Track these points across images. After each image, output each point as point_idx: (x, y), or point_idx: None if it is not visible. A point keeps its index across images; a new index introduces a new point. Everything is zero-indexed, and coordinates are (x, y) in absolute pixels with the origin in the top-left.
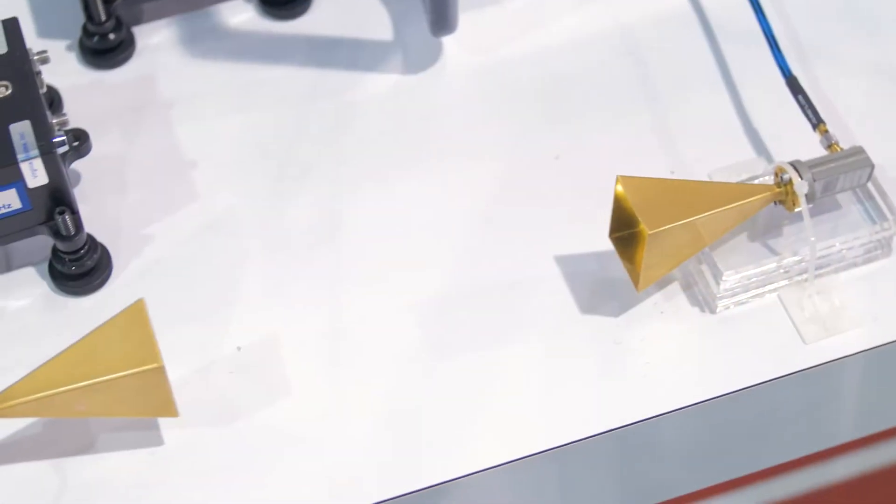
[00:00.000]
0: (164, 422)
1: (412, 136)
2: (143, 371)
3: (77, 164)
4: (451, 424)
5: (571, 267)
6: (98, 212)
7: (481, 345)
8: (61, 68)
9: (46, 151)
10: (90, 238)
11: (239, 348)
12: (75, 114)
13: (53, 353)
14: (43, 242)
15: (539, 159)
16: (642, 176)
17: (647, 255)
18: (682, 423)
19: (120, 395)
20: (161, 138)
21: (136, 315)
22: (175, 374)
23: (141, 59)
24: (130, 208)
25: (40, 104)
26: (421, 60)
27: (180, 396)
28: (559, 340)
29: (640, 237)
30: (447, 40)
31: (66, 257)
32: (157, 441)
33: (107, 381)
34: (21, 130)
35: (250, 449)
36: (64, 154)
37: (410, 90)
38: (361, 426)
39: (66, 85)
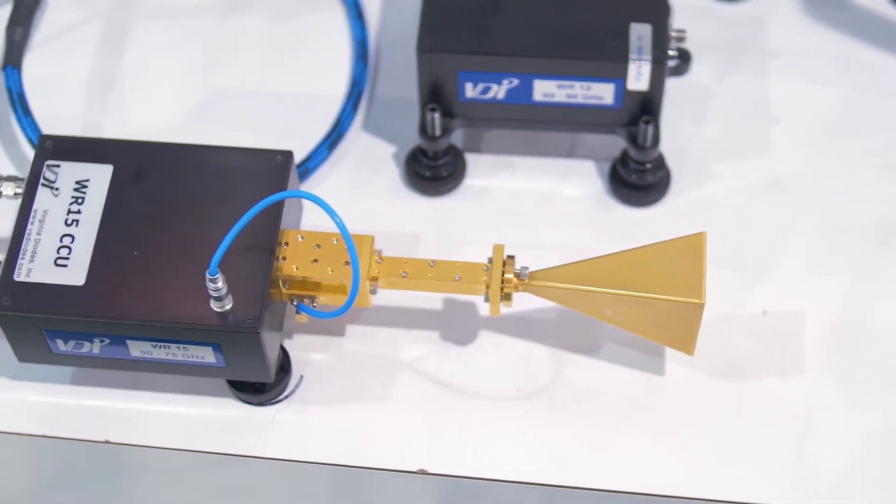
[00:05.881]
0: (671, 354)
1: None
2: (685, 303)
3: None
4: None
5: None
6: (671, 134)
7: None
8: None
9: (658, 60)
10: (660, 155)
11: (764, 312)
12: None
13: (590, 249)
14: (610, 142)
15: None
16: None
17: None
18: None
19: (650, 315)
20: (753, 83)
21: (694, 246)
22: None
23: (759, 1)
24: (702, 140)
25: (666, 13)
26: None
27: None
28: None
29: None
30: None
31: (635, 165)
32: (659, 370)
33: (645, 297)
34: (640, 32)
35: (742, 412)
36: (669, 68)
37: None
38: (863, 428)
39: (677, 3)
